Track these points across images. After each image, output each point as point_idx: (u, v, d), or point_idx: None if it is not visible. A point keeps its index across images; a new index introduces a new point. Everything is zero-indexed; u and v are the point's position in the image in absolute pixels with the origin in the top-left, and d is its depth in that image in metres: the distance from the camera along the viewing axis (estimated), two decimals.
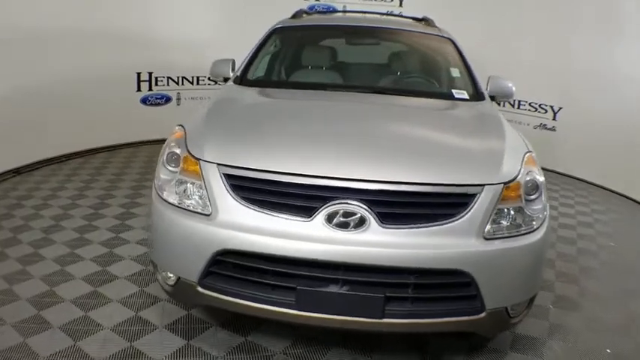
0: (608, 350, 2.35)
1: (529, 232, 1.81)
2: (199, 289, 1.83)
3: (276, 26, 3.51)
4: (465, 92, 2.93)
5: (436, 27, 3.81)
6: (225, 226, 1.73)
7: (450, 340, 2.29)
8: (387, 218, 1.68)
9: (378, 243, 1.65)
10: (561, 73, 5.52)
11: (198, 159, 1.87)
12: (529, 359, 2.23)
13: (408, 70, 3.57)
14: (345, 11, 4.96)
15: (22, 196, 3.85)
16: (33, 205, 3.68)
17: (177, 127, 2.20)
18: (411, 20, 3.96)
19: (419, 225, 1.69)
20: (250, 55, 3.23)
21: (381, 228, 1.67)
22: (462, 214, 1.71)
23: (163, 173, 1.99)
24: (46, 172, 4.54)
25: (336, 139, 2.03)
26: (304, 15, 3.80)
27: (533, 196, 1.89)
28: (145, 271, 2.78)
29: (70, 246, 3.04)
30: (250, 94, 2.79)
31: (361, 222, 1.66)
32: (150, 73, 5.88)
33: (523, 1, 5.80)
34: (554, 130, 5.74)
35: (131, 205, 3.78)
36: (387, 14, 4.42)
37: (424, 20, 3.92)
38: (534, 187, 1.91)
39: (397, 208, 1.71)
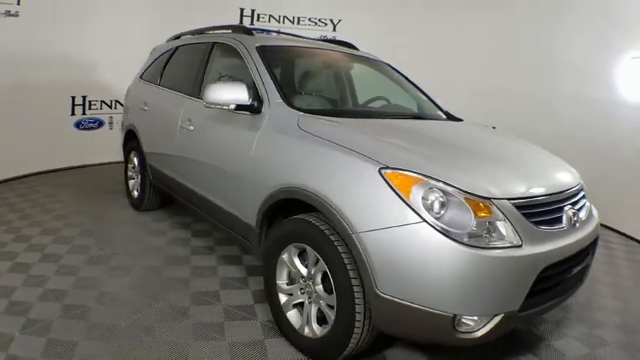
0: None
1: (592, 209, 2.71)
2: (520, 313, 2.01)
3: (255, 44, 3.08)
4: (442, 113, 3.40)
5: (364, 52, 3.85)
6: (539, 248, 2.03)
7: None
8: (577, 212, 2.33)
9: (585, 230, 2.33)
10: (491, 93, 5.69)
11: (488, 198, 1.99)
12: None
13: (402, 94, 3.57)
14: (278, 32, 4.94)
15: None
16: None
17: (398, 172, 2.02)
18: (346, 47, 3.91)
19: (585, 213, 2.46)
20: (271, 76, 2.81)
21: (581, 220, 2.33)
22: (586, 201, 2.56)
23: (441, 222, 1.92)
24: None
25: (512, 161, 2.50)
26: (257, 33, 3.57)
27: None
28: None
29: None
30: (360, 126, 2.56)
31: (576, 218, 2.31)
32: (84, 97, 5.72)
33: (444, 29, 6.10)
34: None
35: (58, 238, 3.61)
36: (320, 39, 4.43)
37: (349, 45, 3.93)
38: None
39: (579, 204, 2.42)
